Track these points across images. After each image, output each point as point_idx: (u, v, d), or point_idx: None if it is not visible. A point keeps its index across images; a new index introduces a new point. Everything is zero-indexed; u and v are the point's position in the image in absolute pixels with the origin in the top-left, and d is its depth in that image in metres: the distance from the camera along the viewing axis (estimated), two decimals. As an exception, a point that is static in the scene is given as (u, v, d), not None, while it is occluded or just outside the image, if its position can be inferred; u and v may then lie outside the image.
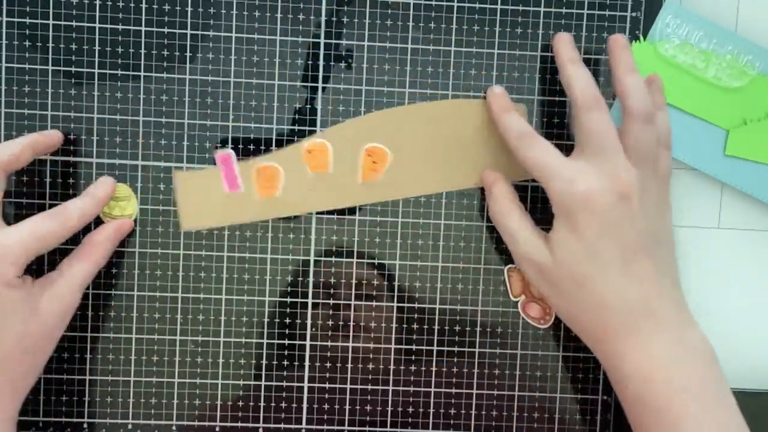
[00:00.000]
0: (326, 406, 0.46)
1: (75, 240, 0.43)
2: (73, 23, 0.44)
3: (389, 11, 0.45)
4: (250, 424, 0.46)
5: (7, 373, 0.40)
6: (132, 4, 0.44)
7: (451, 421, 0.47)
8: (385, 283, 0.46)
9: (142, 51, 0.44)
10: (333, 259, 0.46)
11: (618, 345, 0.40)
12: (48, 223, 0.40)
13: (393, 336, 0.46)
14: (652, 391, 0.39)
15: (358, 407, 0.46)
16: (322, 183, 0.45)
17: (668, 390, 0.38)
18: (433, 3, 0.45)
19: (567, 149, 0.46)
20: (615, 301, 0.40)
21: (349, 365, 0.46)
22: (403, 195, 0.46)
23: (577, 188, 0.39)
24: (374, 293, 0.46)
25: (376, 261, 0.46)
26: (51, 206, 0.45)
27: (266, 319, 0.46)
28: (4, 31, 0.44)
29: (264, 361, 0.46)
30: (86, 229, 0.43)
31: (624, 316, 0.40)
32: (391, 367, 0.46)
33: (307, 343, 0.46)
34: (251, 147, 0.45)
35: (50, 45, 0.44)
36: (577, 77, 0.42)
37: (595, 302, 0.40)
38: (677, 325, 0.40)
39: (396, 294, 0.46)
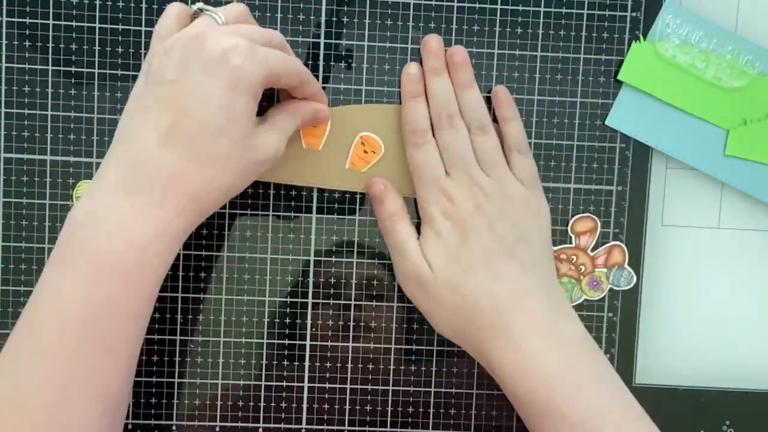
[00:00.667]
0: (326, 406, 0.46)
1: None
2: (73, 23, 0.44)
3: (389, 11, 0.45)
4: (250, 424, 0.46)
5: (205, 181, 0.37)
6: (132, 4, 0.44)
7: (451, 421, 0.47)
8: (385, 282, 0.46)
9: (142, 51, 0.44)
10: (333, 259, 0.46)
11: (492, 345, 0.40)
12: (293, 61, 0.41)
13: (393, 336, 0.46)
14: (531, 389, 0.39)
15: (358, 407, 0.46)
16: (310, 160, 0.45)
17: (545, 386, 0.39)
18: (433, 3, 0.45)
19: (566, 149, 0.46)
20: (484, 302, 0.40)
21: (349, 365, 0.46)
22: None
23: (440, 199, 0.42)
24: (374, 293, 0.46)
25: (376, 261, 0.46)
26: (51, 206, 0.45)
27: (266, 319, 0.46)
28: (4, 31, 0.44)
29: (264, 361, 0.46)
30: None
31: (494, 316, 0.40)
32: (391, 367, 0.46)
33: (308, 343, 0.46)
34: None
35: (50, 45, 0.44)
36: (436, 91, 0.44)
37: (469, 306, 0.41)
38: (549, 320, 0.40)
39: (396, 294, 0.46)
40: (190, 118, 0.36)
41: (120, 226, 0.35)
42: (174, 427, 0.46)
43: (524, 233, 0.42)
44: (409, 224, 0.44)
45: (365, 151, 0.45)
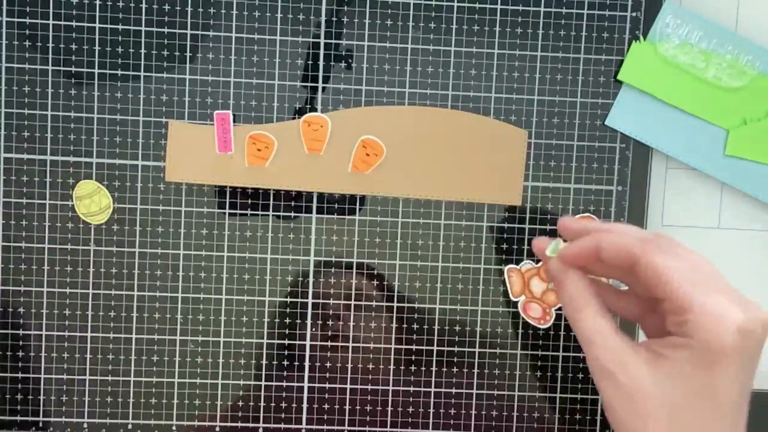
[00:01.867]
0: (326, 406, 0.46)
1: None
2: (73, 23, 0.44)
3: (389, 11, 0.45)
4: (250, 425, 0.46)
5: None
6: (132, 4, 0.44)
7: (451, 421, 0.47)
8: (386, 283, 0.46)
9: (142, 51, 0.44)
10: (333, 259, 0.46)
11: None
12: None
13: (393, 336, 0.46)
14: None
15: (358, 407, 0.46)
16: (312, 164, 0.45)
17: None
18: (433, 3, 0.45)
19: (566, 149, 0.46)
20: None
21: (349, 365, 0.46)
22: (388, 193, 0.46)
23: (732, 320, 0.31)
24: (374, 293, 0.46)
25: (376, 261, 0.46)
26: (51, 206, 0.45)
27: (266, 320, 0.46)
28: (4, 31, 0.44)
29: (264, 362, 0.46)
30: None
31: None
32: (391, 367, 0.46)
33: (307, 343, 0.46)
34: (251, 147, 0.45)
35: (50, 45, 0.44)
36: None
37: None
38: None
39: (396, 294, 0.46)
40: None
41: None
42: (174, 427, 0.46)
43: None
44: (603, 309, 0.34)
45: (367, 154, 0.45)
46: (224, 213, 0.45)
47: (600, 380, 0.33)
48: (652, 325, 0.35)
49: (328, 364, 0.46)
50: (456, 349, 0.46)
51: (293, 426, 0.46)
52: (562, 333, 0.47)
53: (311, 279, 0.46)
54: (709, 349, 0.30)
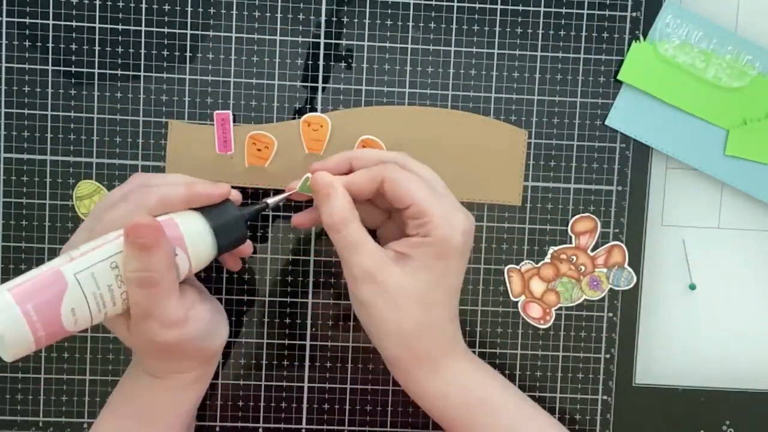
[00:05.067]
0: (326, 406, 0.46)
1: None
2: (73, 23, 0.44)
3: (389, 11, 0.45)
4: (250, 424, 0.46)
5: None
6: (132, 4, 0.44)
7: (451, 421, 0.46)
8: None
9: (142, 51, 0.44)
10: (333, 259, 0.46)
11: (422, 370, 0.39)
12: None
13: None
14: (460, 402, 0.39)
15: (358, 407, 0.46)
16: (311, 164, 0.45)
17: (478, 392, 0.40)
18: (433, 3, 0.45)
19: (566, 149, 0.46)
20: (438, 331, 0.39)
21: (349, 365, 0.46)
22: None
23: (460, 223, 0.39)
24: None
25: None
26: (51, 206, 0.45)
27: (266, 319, 0.46)
28: (4, 31, 0.44)
29: (264, 361, 0.46)
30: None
31: (439, 346, 0.39)
32: (391, 367, 0.46)
33: (308, 343, 0.46)
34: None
35: (50, 45, 0.44)
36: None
37: (424, 327, 0.38)
38: (470, 355, 0.41)
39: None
40: None
41: None
42: (174, 427, 0.46)
43: None
44: (360, 222, 0.39)
45: None
46: (224, 213, 0.45)
47: (361, 284, 0.38)
48: (387, 231, 0.42)
49: (328, 364, 0.46)
50: (456, 349, 0.46)
51: (293, 426, 0.46)
52: (562, 333, 0.47)
53: (311, 279, 0.46)
54: (446, 244, 0.38)
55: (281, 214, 0.46)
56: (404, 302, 0.38)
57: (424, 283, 0.38)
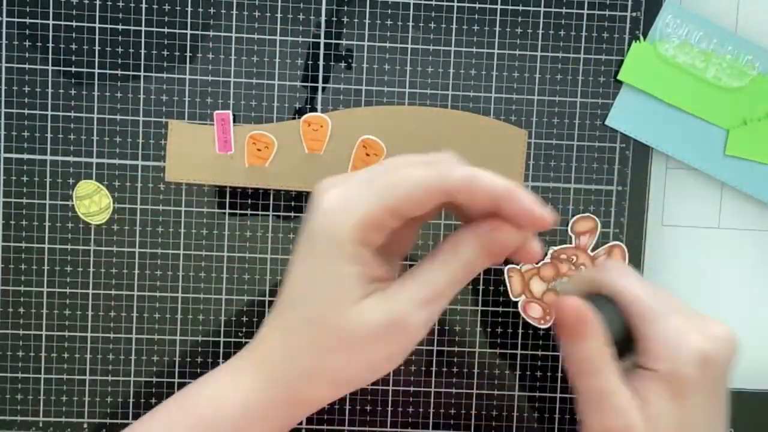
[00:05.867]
0: (326, 406, 0.46)
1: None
2: (73, 23, 0.44)
3: (389, 11, 0.45)
4: (250, 424, 0.46)
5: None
6: (132, 4, 0.44)
7: (451, 421, 0.47)
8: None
9: (142, 51, 0.44)
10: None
11: None
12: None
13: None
14: None
15: (358, 407, 0.46)
16: (312, 164, 0.45)
17: None
18: (433, 3, 0.45)
19: (566, 149, 0.46)
20: None
21: (349, 365, 0.46)
22: None
23: (692, 341, 0.30)
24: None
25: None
26: (51, 206, 0.45)
27: (266, 319, 0.46)
28: (4, 31, 0.44)
29: (264, 361, 0.46)
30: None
31: None
32: (391, 367, 0.46)
33: (307, 343, 0.46)
34: (251, 147, 0.45)
35: (50, 45, 0.44)
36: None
37: None
38: None
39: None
40: None
41: None
42: (174, 427, 0.46)
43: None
44: (616, 367, 0.31)
45: (367, 154, 0.45)
46: (224, 213, 0.45)
47: None
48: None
49: (328, 364, 0.46)
50: (456, 349, 0.46)
51: (293, 426, 0.46)
52: (562, 333, 0.47)
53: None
54: (677, 379, 0.30)
55: (281, 214, 0.46)
56: None
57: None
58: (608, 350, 0.31)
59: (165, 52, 0.44)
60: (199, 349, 0.46)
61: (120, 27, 0.44)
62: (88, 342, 0.45)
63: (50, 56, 0.44)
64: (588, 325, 0.31)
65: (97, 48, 0.44)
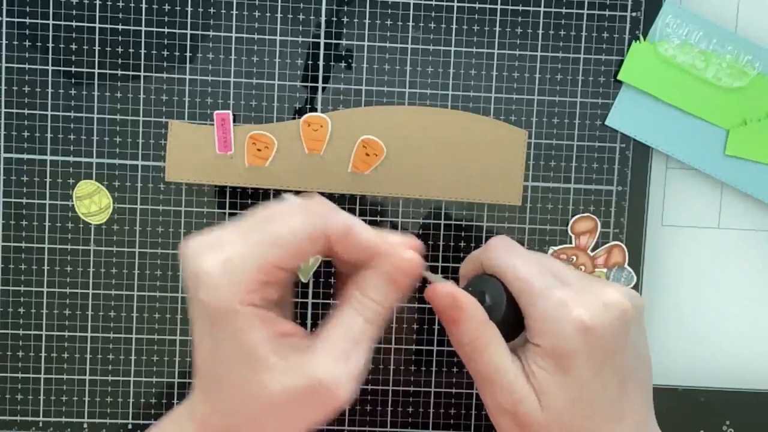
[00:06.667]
0: (326, 406, 0.46)
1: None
2: (73, 23, 0.44)
3: (389, 11, 0.45)
4: (250, 424, 0.46)
5: None
6: (132, 4, 0.44)
7: (451, 421, 0.47)
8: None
9: (142, 51, 0.44)
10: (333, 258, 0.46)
11: None
12: None
13: (393, 336, 0.46)
14: None
15: (358, 407, 0.46)
16: (312, 164, 0.45)
17: None
18: (433, 3, 0.45)
19: (566, 149, 0.46)
20: None
21: (349, 365, 0.46)
22: (388, 193, 0.46)
23: (573, 313, 0.31)
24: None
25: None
26: (51, 206, 0.45)
27: (266, 319, 0.46)
28: (4, 31, 0.44)
29: (264, 361, 0.46)
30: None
31: None
32: (391, 367, 0.46)
33: (307, 343, 0.46)
34: (251, 147, 0.45)
35: (50, 45, 0.44)
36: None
37: None
38: None
39: (396, 294, 0.46)
40: None
41: None
42: (174, 427, 0.46)
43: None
44: (501, 340, 0.32)
45: (367, 154, 0.45)
46: (224, 213, 0.45)
47: (498, 416, 0.32)
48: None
49: (328, 364, 0.46)
50: (456, 349, 0.46)
51: None
52: (562, 333, 0.47)
53: (311, 279, 0.46)
54: (550, 338, 0.30)
55: (281, 214, 0.45)
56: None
57: (561, 407, 0.31)
58: (490, 330, 0.32)
59: (165, 52, 0.44)
60: (199, 349, 0.46)
61: (120, 27, 0.44)
62: (88, 342, 0.45)
63: (50, 56, 0.44)
64: (463, 309, 0.32)
65: (97, 48, 0.44)
